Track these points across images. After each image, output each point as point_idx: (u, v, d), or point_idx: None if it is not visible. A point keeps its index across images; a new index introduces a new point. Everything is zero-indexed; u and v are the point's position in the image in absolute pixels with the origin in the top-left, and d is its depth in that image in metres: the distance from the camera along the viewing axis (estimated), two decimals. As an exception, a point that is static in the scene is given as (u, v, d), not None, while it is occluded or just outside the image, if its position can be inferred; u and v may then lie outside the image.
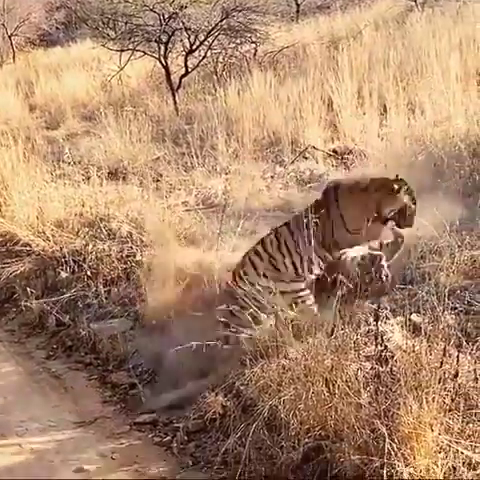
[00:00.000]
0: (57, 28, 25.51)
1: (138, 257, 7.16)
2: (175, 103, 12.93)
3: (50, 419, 5.52)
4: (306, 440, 4.46)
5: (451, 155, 7.88)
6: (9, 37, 21.77)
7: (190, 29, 13.62)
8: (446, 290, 5.03)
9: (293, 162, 9.34)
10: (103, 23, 15.60)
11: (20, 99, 15.71)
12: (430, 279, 5.39)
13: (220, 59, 14.49)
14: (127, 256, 7.22)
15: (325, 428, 4.47)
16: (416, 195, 6.65)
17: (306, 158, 9.44)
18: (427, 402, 4.15)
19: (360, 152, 8.97)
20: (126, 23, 14.36)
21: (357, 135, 9.39)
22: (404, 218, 5.76)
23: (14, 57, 21.09)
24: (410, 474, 3.98)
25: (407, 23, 13.39)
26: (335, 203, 5.79)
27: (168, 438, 5.15)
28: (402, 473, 3.98)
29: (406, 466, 4.00)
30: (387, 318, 5.14)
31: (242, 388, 5.02)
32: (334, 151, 9.42)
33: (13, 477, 4.89)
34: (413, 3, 16.54)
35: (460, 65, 9.84)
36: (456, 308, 5.27)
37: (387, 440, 4.08)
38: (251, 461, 4.52)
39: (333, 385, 4.57)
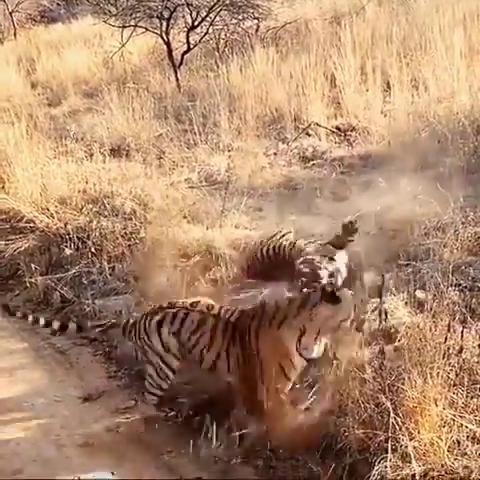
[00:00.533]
0: (58, 4, 25.30)
1: (142, 234, 7.16)
2: (177, 80, 12.86)
3: (56, 394, 5.56)
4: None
5: (455, 132, 7.87)
6: (10, 14, 21.60)
7: (192, 5, 13.51)
8: (450, 266, 5.07)
9: (296, 139, 9.32)
10: (104, -1, 15.48)
11: (22, 76, 15.62)
12: (434, 255, 5.39)
13: (222, 35, 14.38)
14: (131, 233, 7.23)
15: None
16: (420, 171, 6.71)
17: (309, 135, 9.40)
18: (431, 377, 4.19)
19: (363, 129, 8.96)
20: (127, -1, 14.27)
21: (360, 112, 9.36)
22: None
23: (15, 34, 20.94)
24: (414, 448, 4.03)
25: (410, -2, 13.27)
26: None
27: (173, 412, 5.18)
28: (406, 447, 4.03)
29: (410, 440, 4.05)
30: (391, 294, 5.16)
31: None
32: (337, 128, 9.39)
33: (20, 452, 4.93)
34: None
35: (464, 41, 9.77)
36: (460, 284, 5.30)
37: (392, 414, 4.12)
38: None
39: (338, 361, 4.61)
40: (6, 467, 4.79)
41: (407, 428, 4.10)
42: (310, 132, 9.42)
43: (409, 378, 4.23)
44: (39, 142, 9.49)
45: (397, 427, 4.09)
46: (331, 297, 4.41)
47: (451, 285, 4.94)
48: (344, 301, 4.44)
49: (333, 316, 4.44)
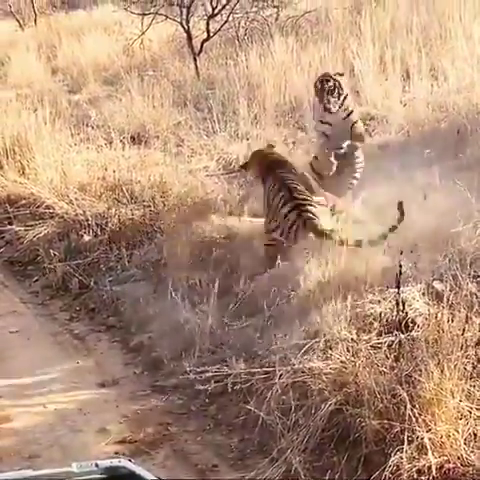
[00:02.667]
0: (78, -9, 25.32)
1: (160, 221, 7.18)
2: (196, 68, 12.83)
3: (73, 380, 5.61)
4: (327, 405, 4.50)
5: (474, 122, 7.80)
6: (31, 0, 21.64)
7: (212, -8, 13.49)
8: (469, 257, 5.05)
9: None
10: (125, -14, 15.47)
11: (42, 62, 15.64)
12: (453, 246, 5.37)
13: (242, 24, 14.34)
14: (150, 220, 7.25)
15: (346, 393, 4.51)
16: (439, 162, 6.68)
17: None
18: (449, 369, 4.18)
19: (382, 118, 8.90)
20: (148, -14, 14.25)
21: (379, 101, 9.30)
22: None
23: (36, 20, 20.94)
24: (430, 439, 4.03)
25: (432, -13, 13.16)
26: None
27: (190, 400, 5.21)
28: (423, 438, 4.03)
29: (427, 432, 4.05)
30: (409, 285, 5.14)
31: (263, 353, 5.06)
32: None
33: (37, 437, 4.97)
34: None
35: (485, 31, 9.68)
36: (478, 276, 5.25)
37: (408, 406, 4.12)
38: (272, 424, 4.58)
39: (355, 352, 4.61)
40: (23, 452, 4.86)
41: (423, 420, 4.10)
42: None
43: (426, 369, 4.23)
44: (60, 129, 9.51)
45: (413, 419, 4.09)
46: None
47: (469, 276, 4.91)
48: None
49: None
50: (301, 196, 6.23)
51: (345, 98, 6.98)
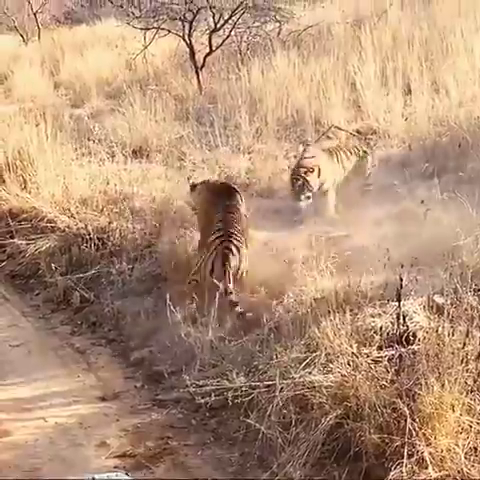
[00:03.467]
0: (82, 6, 25.44)
1: (161, 235, 7.18)
2: (199, 82, 12.89)
3: (74, 394, 5.59)
4: (328, 419, 4.49)
5: (476, 136, 7.83)
6: (34, 14, 21.73)
7: (215, 8, 13.54)
8: (470, 271, 5.04)
9: (316, 142, 9.29)
10: (128, 1, 15.58)
11: (45, 77, 15.73)
12: (453, 259, 5.36)
13: (244, 38, 14.40)
14: (150, 234, 7.25)
15: (346, 407, 4.50)
16: (440, 176, 6.71)
17: (329, 138, 9.38)
18: (449, 383, 4.17)
19: (384, 132, 8.94)
20: (151, 1, 14.33)
21: (381, 115, 9.33)
22: None
23: (39, 35, 21.05)
24: (431, 454, 4.02)
25: (433, 2, 13.21)
26: None
27: (190, 414, 5.20)
28: (423, 452, 4.02)
29: (427, 445, 4.04)
30: (409, 298, 5.13)
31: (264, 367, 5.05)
32: (358, 131, 9.35)
33: (38, 451, 4.97)
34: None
35: (485, 45, 9.74)
36: (479, 289, 5.24)
37: (408, 420, 4.11)
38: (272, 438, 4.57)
39: (356, 366, 4.60)
40: (24, 465, 4.84)
41: (424, 434, 4.09)
42: (330, 135, 9.39)
43: (426, 383, 4.22)
44: (62, 143, 9.54)
45: (414, 432, 4.08)
46: None
47: (470, 290, 4.90)
48: None
49: None
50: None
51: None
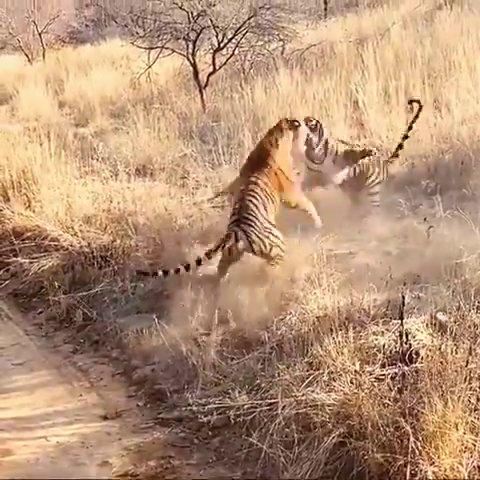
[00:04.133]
0: (87, 26, 25.66)
1: (164, 253, 7.18)
2: (202, 101, 12.96)
3: (76, 413, 5.57)
4: (331, 438, 4.46)
5: (479, 153, 7.84)
6: (39, 34, 21.91)
7: (218, 27, 13.62)
8: (473, 289, 5.02)
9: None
10: (132, 21, 15.67)
11: (50, 96, 15.82)
12: (456, 277, 5.35)
13: (248, 57, 14.48)
14: (153, 251, 7.25)
15: (349, 426, 4.47)
16: (443, 193, 6.70)
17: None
18: (452, 401, 4.14)
19: (387, 150, 8.93)
20: (155, 21, 14.41)
21: (383, 133, 9.34)
22: None
23: (44, 54, 21.22)
24: (434, 473, 3.98)
25: (435, 21, 13.29)
26: None
27: (193, 433, 5.18)
28: (426, 472, 3.98)
29: (430, 465, 4.00)
30: (412, 316, 5.12)
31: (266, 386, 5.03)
32: (361, 149, 9.35)
33: (40, 470, 4.94)
34: (442, 1, 16.42)
35: (488, 63, 9.77)
36: (482, 307, 5.22)
37: (411, 439, 4.08)
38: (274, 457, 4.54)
39: (359, 384, 4.57)
40: (25, 485, 4.81)
41: (427, 453, 4.05)
42: (334, 153, 9.39)
43: (429, 402, 4.19)
44: (66, 161, 9.59)
45: (417, 452, 4.05)
46: None
47: (473, 307, 4.89)
48: None
49: None
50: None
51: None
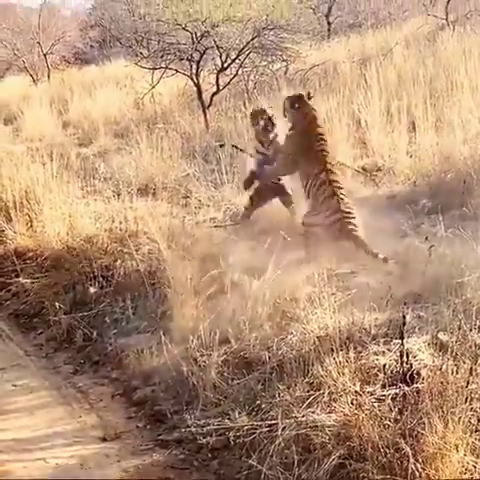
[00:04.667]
0: (91, 46, 25.83)
1: (166, 273, 7.16)
2: (206, 120, 13.01)
3: (75, 434, 5.53)
4: (331, 459, 4.42)
5: (480, 172, 7.84)
6: (44, 55, 22.07)
7: (222, 47, 13.71)
8: (474, 308, 5.00)
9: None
10: (136, 41, 15.82)
11: (54, 116, 15.91)
12: (457, 296, 5.33)
13: (251, 77, 14.55)
14: (155, 272, 7.23)
15: (349, 447, 4.43)
16: (445, 212, 6.69)
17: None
18: (453, 422, 4.10)
19: (389, 169, 8.95)
20: (159, 41, 14.52)
21: (386, 152, 9.36)
22: None
23: (49, 75, 21.36)
24: (434, 495, 3.94)
25: (438, 41, 13.35)
26: None
27: (192, 455, 5.13)
28: (426, 494, 3.94)
29: (431, 487, 3.96)
30: (413, 336, 5.09)
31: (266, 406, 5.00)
32: (363, 168, 9.38)
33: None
34: (444, 21, 16.51)
35: (490, 83, 9.81)
36: (484, 327, 5.18)
37: (411, 460, 4.04)
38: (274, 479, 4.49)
39: (359, 405, 4.54)
40: (23, 507, 4.78)
41: (427, 474, 4.01)
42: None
43: (430, 423, 4.16)
44: (68, 181, 9.61)
45: (417, 473, 4.01)
46: None
47: (474, 327, 4.86)
48: None
49: None
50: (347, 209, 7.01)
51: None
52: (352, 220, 6.94)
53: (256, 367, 5.50)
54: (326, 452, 4.45)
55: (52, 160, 9.76)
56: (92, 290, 7.37)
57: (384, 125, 9.84)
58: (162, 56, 14.50)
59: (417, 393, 4.54)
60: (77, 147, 13.52)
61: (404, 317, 4.92)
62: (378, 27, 18.06)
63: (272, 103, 10.95)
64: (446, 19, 16.60)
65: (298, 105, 7.59)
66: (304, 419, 4.68)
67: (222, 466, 4.97)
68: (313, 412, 4.72)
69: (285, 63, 14.68)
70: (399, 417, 4.39)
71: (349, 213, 7.00)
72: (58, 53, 23.25)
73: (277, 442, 4.61)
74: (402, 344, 4.86)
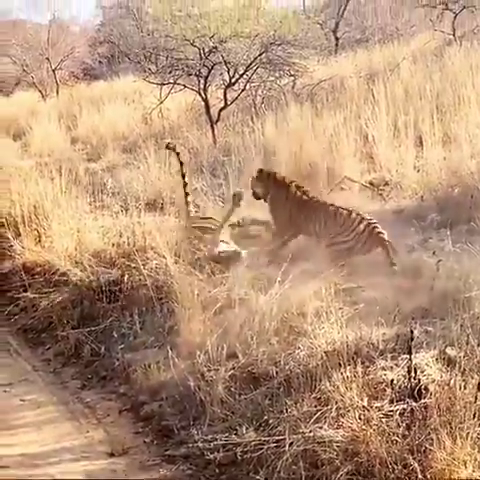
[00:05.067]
0: (100, 62, 25.94)
1: (173, 287, 7.16)
2: (213, 135, 13.04)
3: (82, 449, 5.52)
4: (338, 475, 4.40)
5: (487, 187, 7.84)
6: (53, 71, 22.19)
7: (230, 63, 13.75)
8: (482, 323, 4.99)
9: (329, 194, 9.30)
10: (145, 57, 15.88)
11: (62, 132, 16.00)
12: (465, 311, 5.31)
13: (259, 92, 14.59)
14: (162, 286, 7.24)
15: (357, 463, 4.42)
16: (452, 226, 6.68)
17: (343, 189, 9.40)
18: (461, 438, 4.09)
19: (396, 183, 8.95)
20: (167, 57, 14.58)
21: (393, 167, 9.37)
22: None
23: (57, 91, 21.48)
24: (442, 511, 3.92)
25: (445, 56, 13.37)
26: None
27: (199, 470, 5.12)
28: (434, 510, 3.91)
29: (439, 503, 3.94)
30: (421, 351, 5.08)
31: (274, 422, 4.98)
32: (370, 183, 9.38)
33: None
34: (451, 37, 16.54)
35: (497, 98, 9.82)
36: (492, 342, 5.17)
37: (419, 476, 4.02)
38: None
39: (367, 420, 4.52)
40: (30, 523, 4.77)
41: (435, 490, 4.00)
42: (344, 187, 9.41)
43: (438, 438, 4.14)
44: (77, 197, 9.64)
45: (425, 489, 4.00)
46: None
47: (482, 342, 4.85)
48: None
49: None
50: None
51: None
52: (379, 225, 6.99)
53: (263, 382, 5.49)
54: (334, 468, 4.44)
55: (61, 175, 9.81)
56: (100, 305, 7.39)
57: (391, 140, 9.85)
58: (170, 71, 14.55)
59: (425, 408, 4.53)
60: (85, 162, 13.58)
61: (412, 332, 4.92)
62: (385, 42, 18.09)
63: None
64: (453, 34, 16.64)
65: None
66: (312, 434, 4.67)
67: (229, 482, 4.96)
68: (321, 427, 4.70)
69: (293, 78, 14.72)
70: (407, 433, 4.37)
71: (372, 220, 7.07)
72: (67, 69, 23.39)
73: (285, 458, 4.59)
74: (410, 359, 4.85)
